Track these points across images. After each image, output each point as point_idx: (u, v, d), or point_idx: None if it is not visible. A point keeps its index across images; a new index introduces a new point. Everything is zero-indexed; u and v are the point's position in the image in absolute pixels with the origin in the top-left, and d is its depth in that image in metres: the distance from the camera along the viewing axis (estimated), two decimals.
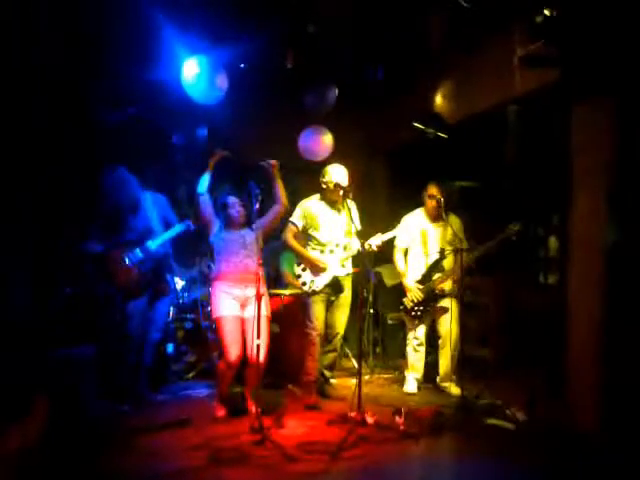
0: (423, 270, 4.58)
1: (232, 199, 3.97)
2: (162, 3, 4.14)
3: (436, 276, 4.54)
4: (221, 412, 3.90)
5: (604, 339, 3.42)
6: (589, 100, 3.61)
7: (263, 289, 3.71)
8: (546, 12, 3.79)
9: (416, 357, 4.64)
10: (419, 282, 4.56)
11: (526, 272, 5.37)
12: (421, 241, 4.61)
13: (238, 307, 3.84)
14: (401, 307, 4.66)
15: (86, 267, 4.41)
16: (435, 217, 4.59)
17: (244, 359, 3.80)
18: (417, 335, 4.62)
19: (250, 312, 3.76)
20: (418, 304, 4.53)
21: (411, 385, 4.63)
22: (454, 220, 4.59)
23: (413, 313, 4.56)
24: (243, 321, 3.84)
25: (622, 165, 3.43)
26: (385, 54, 5.03)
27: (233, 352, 3.72)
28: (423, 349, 4.64)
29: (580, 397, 3.55)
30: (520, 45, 4.15)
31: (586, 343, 3.55)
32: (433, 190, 4.52)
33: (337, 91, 4.98)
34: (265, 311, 3.77)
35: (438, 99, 5.21)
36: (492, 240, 4.30)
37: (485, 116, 4.89)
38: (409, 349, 4.66)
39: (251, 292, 3.78)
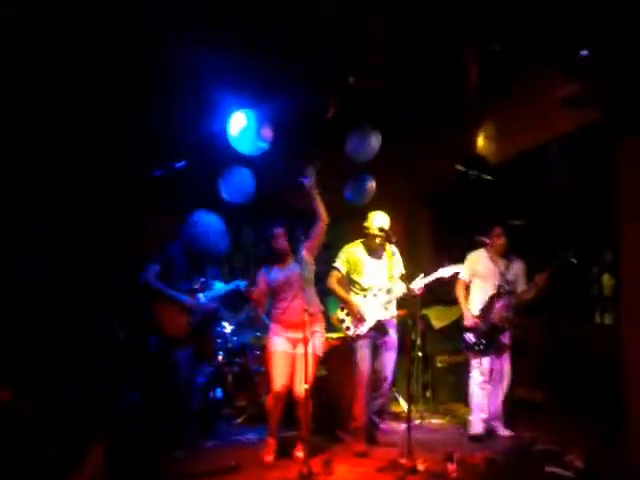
0: (483, 305, 4.53)
1: (278, 229, 4.02)
2: (209, 55, 4.34)
3: (494, 311, 4.48)
4: (269, 456, 3.91)
5: None
6: (633, 138, 3.58)
7: (318, 327, 3.87)
8: (584, 52, 3.84)
9: (481, 396, 4.47)
10: (479, 317, 4.51)
11: (580, 311, 5.21)
12: (483, 277, 4.58)
13: (290, 346, 3.93)
14: (463, 344, 4.57)
15: (143, 308, 4.36)
16: (499, 255, 4.59)
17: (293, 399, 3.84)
18: (483, 371, 4.47)
19: (301, 349, 3.82)
20: (481, 337, 4.46)
21: (477, 427, 4.45)
22: (518, 264, 4.58)
23: (477, 348, 4.47)
24: (294, 357, 3.90)
25: None
26: (426, 97, 5.11)
27: (279, 382, 3.81)
28: (489, 387, 4.48)
29: (637, 443, 3.39)
30: (559, 85, 4.18)
31: None
32: (498, 231, 4.58)
33: (380, 137, 5.09)
34: (317, 350, 3.89)
35: (479, 141, 5.24)
36: (545, 271, 4.26)
37: (528, 155, 4.88)
38: (474, 388, 4.49)
39: (302, 332, 3.76)
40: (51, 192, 4.56)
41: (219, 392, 5.03)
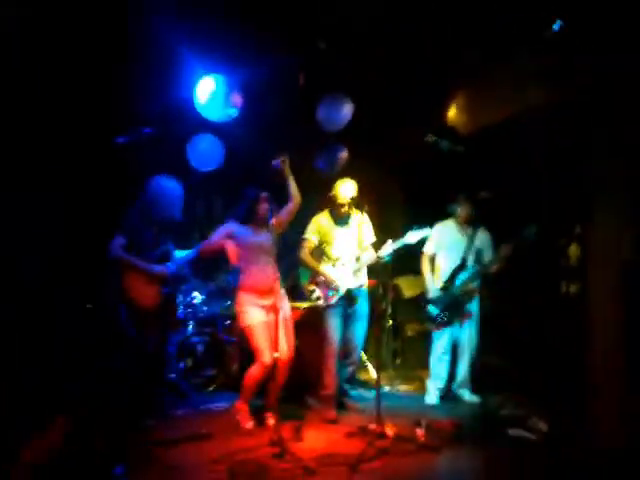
0: (447, 277, 4.58)
1: (264, 193, 3.99)
2: (178, 23, 4.22)
3: (459, 283, 4.53)
4: (249, 424, 3.92)
5: (626, 350, 3.37)
6: (606, 115, 3.59)
7: (284, 295, 3.90)
8: (556, 26, 3.82)
9: (440, 366, 4.60)
10: (442, 289, 4.56)
11: (548, 281, 5.31)
12: (448, 249, 4.62)
13: (265, 313, 3.91)
14: (426, 316, 4.64)
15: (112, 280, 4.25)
16: (466, 226, 4.64)
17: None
18: (443, 344, 4.59)
19: (272, 316, 3.81)
20: (444, 310, 4.52)
21: (433, 396, 4.60)
22: (483, 234, 4.64)
23: (439, 319, 4.54)
24: (269, 325, 3.87)
25: None
26: (399, 69, 5.05)
27: (268, 353, 3.80)
28: (448, 357, 4.61)
29: (602, 409, 3.49)
30: (532, 57, 4.16)
31: (608, 354, 3.49)
32: (463, 200, 4.63)
33: (352, 105, 5.02)
34: (287, 314, 3.99)
35: (451, 111, 5.22)
36: (508, 244, 4.35)
37: (500, 127, 4.88)
38: (433, 358, 4.63)
39: (272, 299, 3.80)
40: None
41: (189, 361, 5.01)
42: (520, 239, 4.35)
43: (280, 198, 4.12)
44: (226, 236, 3.96)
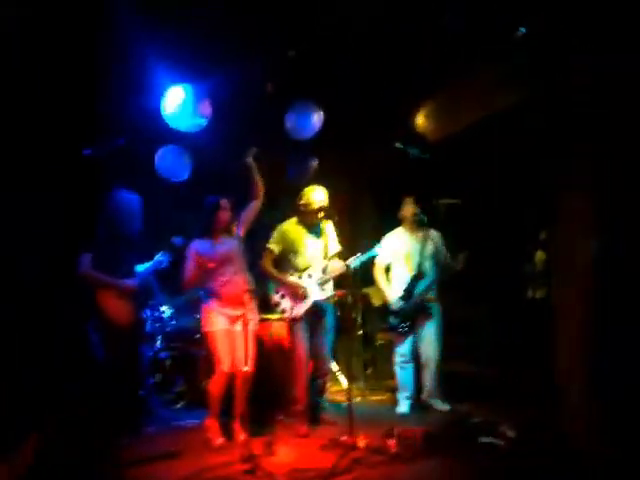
0: (405, 286, 4.59)
1: (224, 200, 3.92)
2: (147, 33, 4.17)
3: (418, 291, 4.55)
4: (219, 440, 3.85)
5: (593, 354, 3.42)
6: (569, 119, 3.66)
7: (253, 305, 3.85)
8: (521, 30, 3.89)
9: (404, 375, 4.62)
10: (402, 298, 4.57)
11: (513, 288, 5.39)
12: (404, 258, 4.63)
13: (228, 322, 3.85)
14: (386, 326, 4.65)
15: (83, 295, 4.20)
16: (414, 230, 4.64)
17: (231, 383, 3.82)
18: (403, 352, 4.61)
19: (239, 326, 3.79)
20: (404, 320, 4.53)
21: (403, 406, 4.61)
22: (434, 234, 4.66)
23: (400, 329, 4.55)
24: (234, 334, 3.83)
25: (609, 180, 3.46)
26: (366, 76, 5.08)
27: (226, 361, 3.76)
28: (410, 366, 4.62)
29: (569, 414, 3.54)
30: (497, 63, 4.23)
31: (574, 359, 3.55)
32: (410, 201, 4.64)
33: (321, 114, 5.02)
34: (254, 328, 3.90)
35: (419, 119, 5.27)
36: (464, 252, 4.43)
37: (468, 134, 4.95)
38: (396, 368, 4.65)
39: (242, 310, 3.78)
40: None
41: (158, 377, 4.91)
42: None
43: (243, 204, 4.09)
44: (195, 255, 3.89)
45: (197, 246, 3.90)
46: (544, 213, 4.13)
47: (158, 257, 4.40)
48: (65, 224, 4.52)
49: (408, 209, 4.64)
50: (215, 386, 3.84)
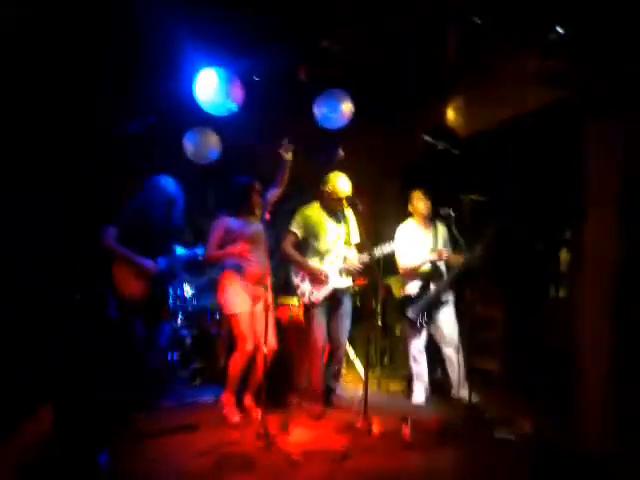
0: (420, 283, 4.60)
1: (258, 183, 4.03)
2: (180, 15, 4.21)
3: (433, 285, 4.55)
4: (236, 417, 3.93)
5: (612, 354, 3.40)
6: (602, 118, 3.63)
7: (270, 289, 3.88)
8: (559, 29, 3.85)
9: (419, 367, 4.63)
10: (419, 292, 4.58)
11: (537, 285, 5.35)
12: (415, 250, 4.63)
13: (251, 303, 3.97)
14: (405, 318, 4.66)
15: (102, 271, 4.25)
16: (426, 224, 4.65)
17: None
18: (416, 345, 4.63)
19: (259, 307, 3.96)
20: (424, 313, 4.54)
21: (419, 395, 4.61)
22: (442, 228, 4.66)
23: (419, 323, 4.56)
24: (254, 314, 3.97)
25: (634, 183, 3.44)
26: (399, 68, 5.07)
27: (250, 341, 3.89)
28: (424, 358, 4.64)
29: (588, 413, 3.52)
30: (534, 61, 4.19)
31: (596, 357, 3.53)
32: (419, 194, 4.65)
33: (351, 103, 5.02)
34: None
35: (450, 114, 5.24)
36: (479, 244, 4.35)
37: (498, 131, 4.91)
38: (412, 359, 4.68)
39: (261, 290, 3.90)
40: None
41: (177, 354, 4.99)
42: (482, 239, 4.35)
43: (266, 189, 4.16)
44: (223, 231, 3.95)
45: (228, 222, 3.97)
46: (570, 213, 4.09)
47: (196, 249, 4.39)
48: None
49: (420, 201, 4.63)
50: (237, 364, 3.92)
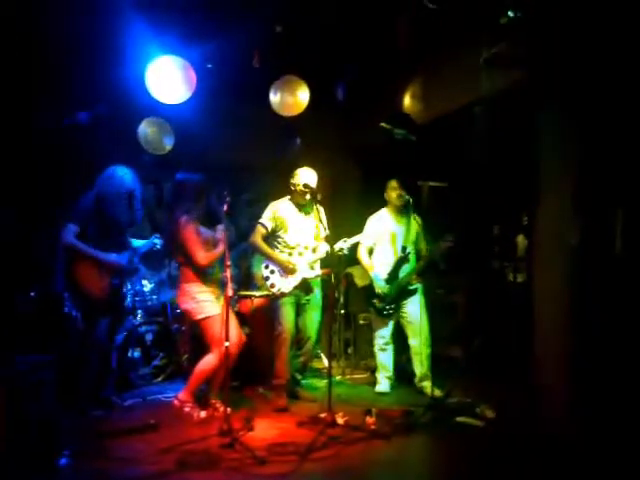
0: (389, 269, 4.59)
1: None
2: (131, 2, 4.07)
3: (403, 274, 4.56)
4: (201, 413, 3.83)
5: (573, 336, 3.46)
6: (555, 103, 3.66)
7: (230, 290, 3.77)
8: (510, 14, 3.86)
9: (384, 356, 4.64)
10: (386, 281, 4.57)
11: (496, 271, 5.43)
12: (388, 240, 4.63)
13: (217, 302, 3.88)
14: (370, 308, 4.66)
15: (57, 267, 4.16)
16: (400, 212, 4.64)
17: None
18: (383, 334, 4.63)
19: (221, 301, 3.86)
20: (389, 303, 4.54)
21: (383, 385, 4.63)
22: (417, 219, 4.66)
23: (385, 312, 4.56)
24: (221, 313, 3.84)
25: (587, 167, 3.48)
26: (354, 55, 5.03)
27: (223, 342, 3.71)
28: (390, 347, 4.65)
29: (546, 397, 3.58)
30: (487, 46, 4.20)
31: (555, 341, 3.59)
32: (394, 184, 4.62)
33: (307, 90, 4.95)
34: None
35: (407, 100, 5.23)
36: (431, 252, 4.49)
37: (454, 117, 4.93)
38: (376, 349, 4.68)
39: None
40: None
41: (137, 351, 4.88)
42: (437, 249, 4.46)
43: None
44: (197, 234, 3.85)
45: (195, 227, 3.85)
46: (527, 197, 4.14)
47: (153, 239, 4.35)
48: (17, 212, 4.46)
49: (393, 191, 4.62)
50: (211, 366, 3.80)
